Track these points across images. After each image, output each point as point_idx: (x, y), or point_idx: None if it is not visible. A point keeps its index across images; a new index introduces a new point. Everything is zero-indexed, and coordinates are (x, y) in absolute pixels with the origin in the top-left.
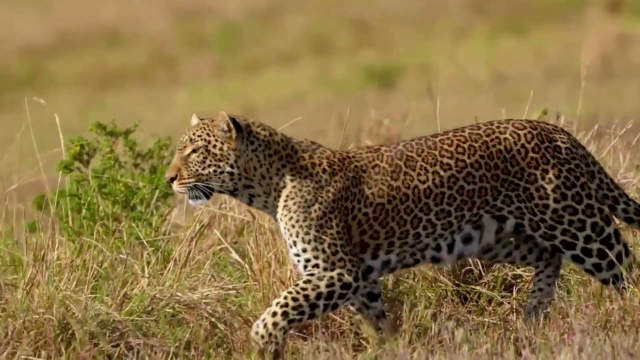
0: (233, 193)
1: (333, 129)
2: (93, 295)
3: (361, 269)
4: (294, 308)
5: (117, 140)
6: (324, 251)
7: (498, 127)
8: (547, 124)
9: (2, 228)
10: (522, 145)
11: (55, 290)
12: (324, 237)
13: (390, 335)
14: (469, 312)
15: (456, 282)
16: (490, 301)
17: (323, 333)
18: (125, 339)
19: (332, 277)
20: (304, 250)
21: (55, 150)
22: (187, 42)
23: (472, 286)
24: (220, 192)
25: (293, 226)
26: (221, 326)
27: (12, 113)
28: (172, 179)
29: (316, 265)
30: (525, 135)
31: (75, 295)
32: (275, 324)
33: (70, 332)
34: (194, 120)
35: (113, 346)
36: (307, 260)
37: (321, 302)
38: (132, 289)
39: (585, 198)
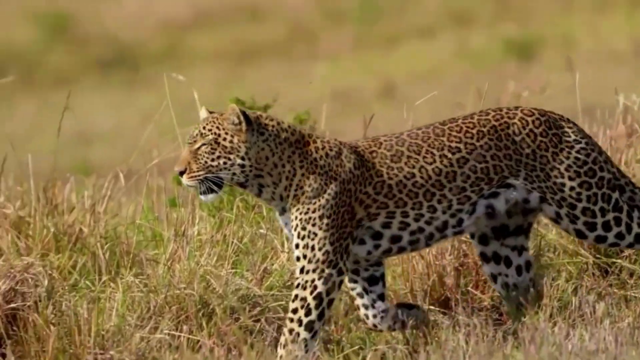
0: (243, 185)
1: (471, 102)
2: (233, 270)
3: (369, 234)
4: (292, 342)
5: None
6: (312, 248)
7: (507, 113)
8: (555, 113)
9: (144, 203)
10: (531, 130)
11: (196, 265)
12: (318, 231)
13: (531, 309)
14: (610, 285)
15: (597, 255)
16: (632, 274)
17: (464, 308)
18: (265, 313)
19: (313, 280)
20: (297, 246)
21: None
22: (326, 16)
23: (614, 259)
24: (230, 184)
25: (296, 217)
26: None
27: (151, 89)
28: (182, 173)
29: (302, 270)
30: (533, 121)
31: (215, 271)
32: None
33: (211, 307)
34: (203, 114)
35: (253, 321)
36: (297, 259)
37: (314, 315)
38: (272, 264)
39: (599, 171)
